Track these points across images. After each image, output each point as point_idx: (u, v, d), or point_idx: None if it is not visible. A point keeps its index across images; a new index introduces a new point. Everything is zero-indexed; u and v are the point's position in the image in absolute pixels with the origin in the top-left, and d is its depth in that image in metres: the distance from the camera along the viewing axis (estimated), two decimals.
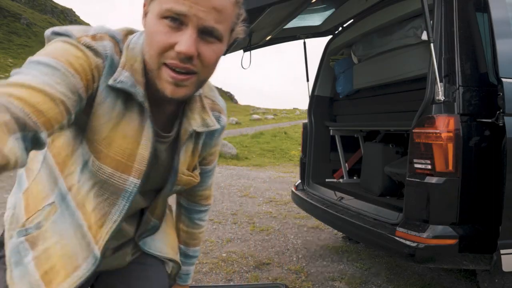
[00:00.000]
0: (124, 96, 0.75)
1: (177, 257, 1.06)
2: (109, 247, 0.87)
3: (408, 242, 1.92)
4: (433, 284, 2.65)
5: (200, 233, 1.15)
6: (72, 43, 0.68)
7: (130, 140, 0.77)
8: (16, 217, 0.85)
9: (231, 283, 2.49)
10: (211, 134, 0.96)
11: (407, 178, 2.02)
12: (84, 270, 0.80)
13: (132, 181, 0.80)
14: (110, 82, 0.71)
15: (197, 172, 0.97)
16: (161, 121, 0.83)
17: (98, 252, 0.81)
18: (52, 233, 0.80)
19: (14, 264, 0.81)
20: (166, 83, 0.70)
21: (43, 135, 0.54)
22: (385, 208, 2.32)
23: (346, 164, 3.43)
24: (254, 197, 5.48)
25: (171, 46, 0.67)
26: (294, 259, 3.12)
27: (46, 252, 0.80)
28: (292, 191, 3.36)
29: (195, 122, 0.86)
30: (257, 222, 4.19)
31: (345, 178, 3.36)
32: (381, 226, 2.13)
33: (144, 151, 0.79)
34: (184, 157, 0.89)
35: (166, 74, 0.69)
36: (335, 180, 3.36)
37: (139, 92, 0.74)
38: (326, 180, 3.33)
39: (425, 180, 1.91)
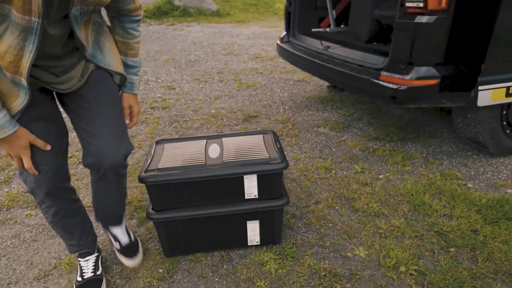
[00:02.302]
0: None
1: (122, 70, 1.29)
2: (46, 71, 1.12)
3: (391, 85, 1.97)
4: (410, 123, 2.85)
5: (135, 42, 1.30)
6: None
7: None
8: None
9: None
10: None
11: (397, 20, 1.93)
12: (22, 98, 1.06)
13: (35, 20, 0.95)
14: None
15: None
16: None
17: (24, 82, 1.04)
18: None
19: None
20: None
21: None
22: (371, 54, 2.29)
23: (334, 11, 3.24)
24: (239, 54, 5.35)
25: None
26: (281, 110, 3.24)
27: None
28: (277, 43, 3.25)
29: None
30: (243, 78, 4.19)
31: (332, 27, 3.21)
32: (366, 72, 2.14)
33: None
34: None
35: None
36: (321, 29, 3.22)
37: None
38: (313, 30, 3.19)
39: (415, 20, 1.83)
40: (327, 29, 3.20)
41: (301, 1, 3.11)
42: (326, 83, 3.85)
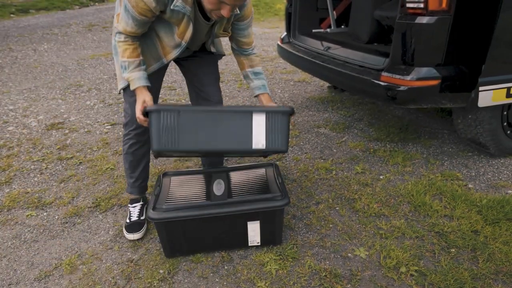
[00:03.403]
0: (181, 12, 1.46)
1: (223, 51, 1.87)
2: (180, 57, 1.72)
3: (391, 86, 1.97)
4: (411, 124, 2.85)
5: (255, 56, 1.78)
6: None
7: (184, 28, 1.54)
8: (113, 27, 1.63)
9: None
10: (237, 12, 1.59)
11: (397, 20, 1.93)
12: (155, 67, 1.65)
13: (183, 43, 1.58)
14: (171, 6, 1.42)
15: (228, 30, 1.66)
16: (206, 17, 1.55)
17: (165, 61, 1.65)
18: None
19: (114, 55, 1.67)
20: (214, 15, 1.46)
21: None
22: (372, 54, 2.29)
23: (334, 12, 3.24)
24: None
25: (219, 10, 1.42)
26: None
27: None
28: (278, 44, 3.25)
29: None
30: (244, 79, 4.19)
31: (332, 28, 3.21)
32: (366, 73, 2.14)
33: (188, 33, 1.55)
34: (220, 26, 1.62)
35: (214, 15, 1.45)
36: (322, 30, 3.22)
37: (187, 10, 1.45)
38: (313, 30, 3.19)
39: (416, 21, 1.83)
40: (328, 30, 3.20)
41: (302, 2, 3.11)
42: (327, 84, 3.85)
